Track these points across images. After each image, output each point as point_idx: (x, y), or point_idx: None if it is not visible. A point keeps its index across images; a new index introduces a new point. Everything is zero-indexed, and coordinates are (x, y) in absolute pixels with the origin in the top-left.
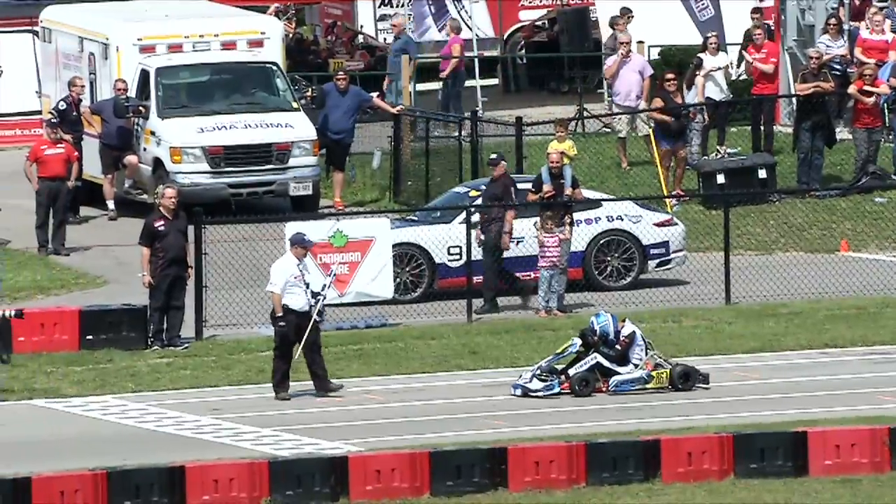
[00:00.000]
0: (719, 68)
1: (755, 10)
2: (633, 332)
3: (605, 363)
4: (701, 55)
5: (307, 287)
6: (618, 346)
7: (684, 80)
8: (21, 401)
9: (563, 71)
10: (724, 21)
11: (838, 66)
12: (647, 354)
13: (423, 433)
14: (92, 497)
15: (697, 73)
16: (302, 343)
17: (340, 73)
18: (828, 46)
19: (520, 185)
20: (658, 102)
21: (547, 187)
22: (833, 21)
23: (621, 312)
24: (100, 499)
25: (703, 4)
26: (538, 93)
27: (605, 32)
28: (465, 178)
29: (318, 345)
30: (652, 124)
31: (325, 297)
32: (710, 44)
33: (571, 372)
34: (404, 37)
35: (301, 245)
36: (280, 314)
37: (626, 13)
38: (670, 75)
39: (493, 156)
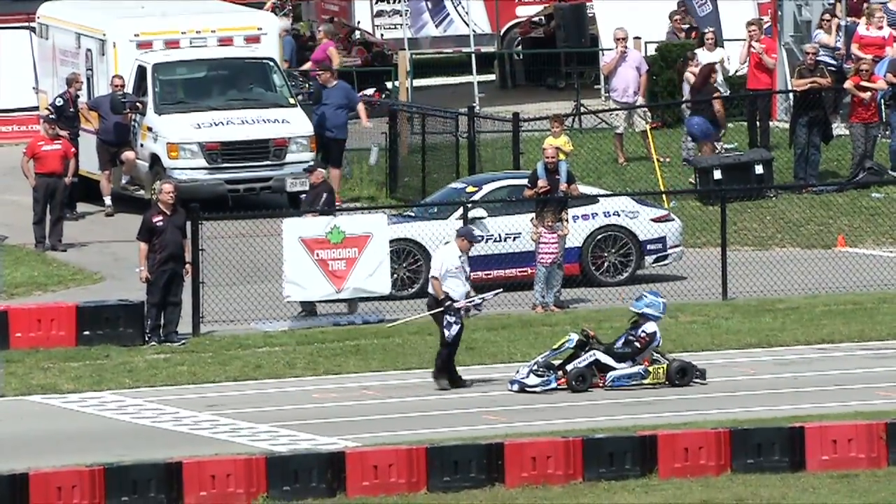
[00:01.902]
0: (716, 64)
1: None
2: (655, 332)
3: (602, 359)
4: (697, 51)
5: (467, 280)
6: (637, 344)
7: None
8: (18, 396)
9: (560, 67)
10: (721, 16)
11: (834, 62)
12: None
13: (420, 429)
14: (89, 493)
15: (687, 67)
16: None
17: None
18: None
19: (517, 182)
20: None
21: (542, 182)
22: (827, 16)
23: (617, 308)
24: (97, 495)
25: (701, 0)
26: (535, 89)
27: (603, 29)
28: (461, 173)
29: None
30: (695, 120)
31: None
32: (707, 39)
33: (568, 367)
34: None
35: (467, 238)
36: (442, 297)
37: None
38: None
39: (310, 163)
